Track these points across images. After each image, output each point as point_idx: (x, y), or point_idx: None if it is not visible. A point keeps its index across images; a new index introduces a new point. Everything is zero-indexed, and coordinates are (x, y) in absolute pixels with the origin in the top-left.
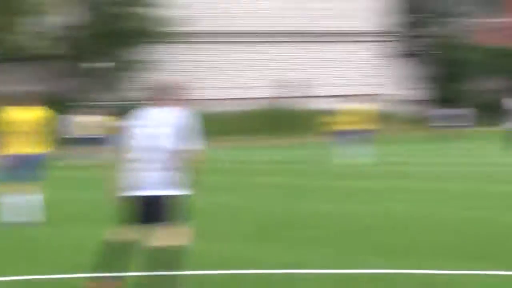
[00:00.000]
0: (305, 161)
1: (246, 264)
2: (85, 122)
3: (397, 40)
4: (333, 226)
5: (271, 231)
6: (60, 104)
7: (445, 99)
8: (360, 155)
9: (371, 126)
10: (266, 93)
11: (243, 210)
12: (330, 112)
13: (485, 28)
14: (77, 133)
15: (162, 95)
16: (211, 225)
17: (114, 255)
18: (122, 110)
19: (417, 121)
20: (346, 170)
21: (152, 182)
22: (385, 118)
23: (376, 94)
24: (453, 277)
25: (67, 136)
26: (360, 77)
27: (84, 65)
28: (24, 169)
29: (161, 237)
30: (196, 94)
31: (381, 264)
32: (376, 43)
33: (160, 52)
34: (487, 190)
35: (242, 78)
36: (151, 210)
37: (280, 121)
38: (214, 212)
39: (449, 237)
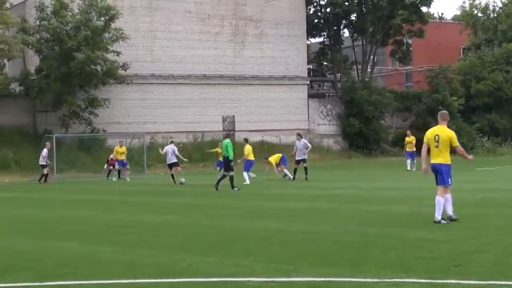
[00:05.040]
0: None
1: None
2: None
3: (311, 84)
4: None
5: None
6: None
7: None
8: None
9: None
10: (210, 127)
11: None
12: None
13: (394, 74)
14: None
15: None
16: None
17: None
18: None
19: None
20: None
21: None
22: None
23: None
24: None
25: None
26: (284, 114)
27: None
28: None
29: None
30: (149, 128)
31: None
32: (296, 86)
33: (117, 91)
34: None
35: (188, 114)
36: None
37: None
38: None
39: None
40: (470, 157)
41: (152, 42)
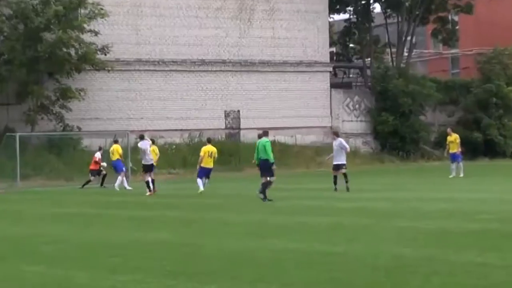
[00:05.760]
0: None
1: None
2: None
3: (334, 71)
4: None
5: None
6: None
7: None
8: None
9: None
10: (209, 124)
11: None
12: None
13: (437, 59)
14: None
15: None
16: None
17: None
18: None
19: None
20: None
21: None
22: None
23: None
24: None
25: None
26: (301, 108)
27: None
28: None
29: None
30: (135, 125)
31: None
32: (316, 73)
33: (95, 80)
34: None
35: (183, 109)
36: None
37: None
38: None
39: None
40: None
41: (138, 19)
